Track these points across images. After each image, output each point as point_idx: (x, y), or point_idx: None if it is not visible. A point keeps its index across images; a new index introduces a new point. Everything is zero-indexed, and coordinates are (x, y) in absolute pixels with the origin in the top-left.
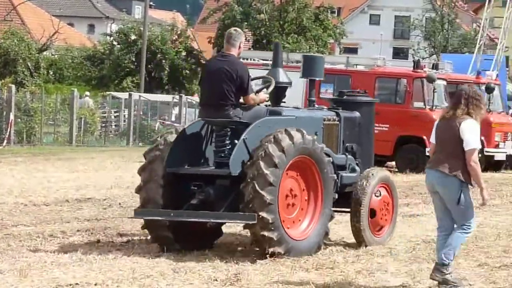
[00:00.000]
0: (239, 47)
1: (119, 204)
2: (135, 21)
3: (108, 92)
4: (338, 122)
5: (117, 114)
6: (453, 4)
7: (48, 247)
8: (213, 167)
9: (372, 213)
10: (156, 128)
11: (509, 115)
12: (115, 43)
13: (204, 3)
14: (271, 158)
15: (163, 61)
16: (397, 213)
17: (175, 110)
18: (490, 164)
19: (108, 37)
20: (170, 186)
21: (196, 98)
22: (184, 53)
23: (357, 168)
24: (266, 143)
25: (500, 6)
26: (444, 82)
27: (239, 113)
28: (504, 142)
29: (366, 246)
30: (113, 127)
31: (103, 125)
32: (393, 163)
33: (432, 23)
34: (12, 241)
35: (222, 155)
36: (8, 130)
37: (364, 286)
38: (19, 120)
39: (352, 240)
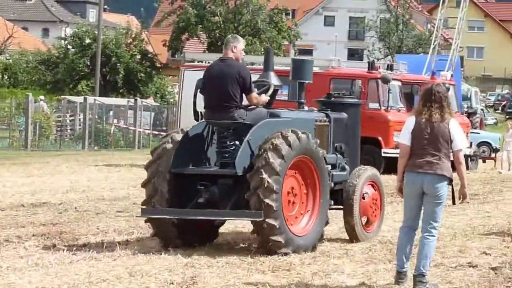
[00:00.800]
0: (234, 50)
1: (75, 208)
2: (90, 24)
3: (63, 96)
4: (328, 123)
5: (72, 118)
6: (407, 5)
7: (4, 252)
8: (217, 167)
9: (363, 209)
10: (112, 132)
11: (464, 115)
12: (69, 47)
13: (158, 6)
14: (279, 152)
15: (118, 64)
16: (384, 209)
17: (130, 114)
18: None
19: (62, 41)
20: (175, 185)
21: (150, 101)
22: (138, 56)
23: (346, 166)
24: (274, 140)
25: (454, 7)
26: (399, 83)
27: (243, 114)
28: None
29: (358, 241)
30: (69, 131)
31: (58, 129)
32: None
33: (386, 24)
34: None
35: (226, 155)
36: None
37: None
38: None
39: None
